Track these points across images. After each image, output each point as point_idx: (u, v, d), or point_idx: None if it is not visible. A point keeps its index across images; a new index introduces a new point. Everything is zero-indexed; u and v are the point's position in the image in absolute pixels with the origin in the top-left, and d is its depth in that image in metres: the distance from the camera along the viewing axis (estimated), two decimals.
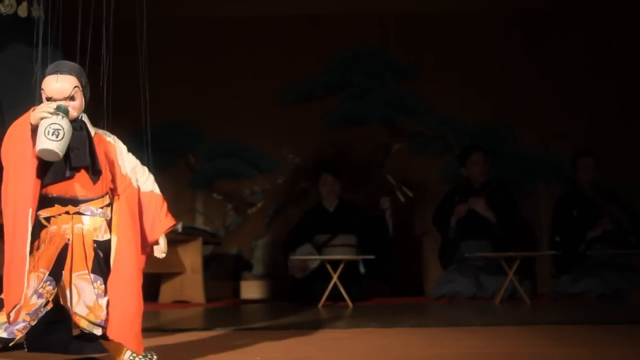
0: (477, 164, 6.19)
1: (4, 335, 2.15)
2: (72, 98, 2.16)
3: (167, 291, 6.01)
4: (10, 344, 2.19)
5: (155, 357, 2.32)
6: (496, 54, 7.01)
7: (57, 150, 2.04)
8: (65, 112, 2.09)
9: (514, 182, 6.70)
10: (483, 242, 5.97)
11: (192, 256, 6.05)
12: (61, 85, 2.15)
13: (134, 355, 2.26)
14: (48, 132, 2.04)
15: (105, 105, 2.33)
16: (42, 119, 2.06)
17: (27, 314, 2.14)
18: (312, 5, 6.96)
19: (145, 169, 2.35)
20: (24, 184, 2.07)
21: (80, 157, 2.14)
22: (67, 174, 2.13)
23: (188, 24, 6.98)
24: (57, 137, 2.03)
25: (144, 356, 2.29)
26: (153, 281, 5.88)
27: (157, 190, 2.35)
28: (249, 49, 7.00)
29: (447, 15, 7.01)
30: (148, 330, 3.35)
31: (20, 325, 2.16)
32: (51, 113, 2.07)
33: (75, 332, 2.78)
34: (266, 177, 7.07)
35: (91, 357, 2.66)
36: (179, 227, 5.70)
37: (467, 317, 4.46)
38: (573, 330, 3.50)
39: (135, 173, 2.30)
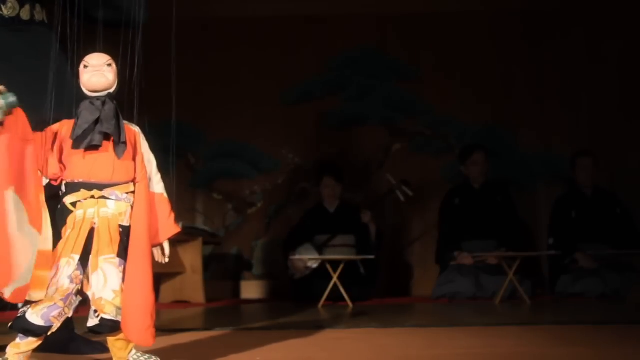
0: (477, 164, 6.19)
1: (41, 322, 2.15)
2: (109, 65, 2.25)
3: (167, 291, 6.02)
4: (49, 333, 2.19)
5: None
6: (496, 54, 7.01)
7: None
8: (10, 100, 2.13)
9: (514, 182, 6.70)
10: (486, 242, 5.97)
11: (192, 256, 6.05)
12: (101, 54, 2.27)
13: (137, 355, 2.27)
14: None
15: (136, 98, 2.36)
16: None
17: (61, 299, 2.15)
18: (312, 5, 6.96)
19: (159, 173, 2.38)
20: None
21: (108, 125, 2.19)
22: (96, 140, 2.17)
23: (188, 24, 6.95)
24: None
25: (146, 359, 2.29)
26: (153, 281, 5.88)
27: (165, 194, 2.38)
28: (248, 49, 7.00)
29: (447, 16, 7.01)
30: None
31: (56, 312, 2.16)
32: None
33: (75, 333, 2.78)
34: (266, 177, 7.07)
35: (91, 357, 2.66)
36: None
37: (467, 317, 4.47)
38: (573, 330, 3.50)
39: (151, 170, 2.33)
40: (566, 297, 5.83)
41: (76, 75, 2.25)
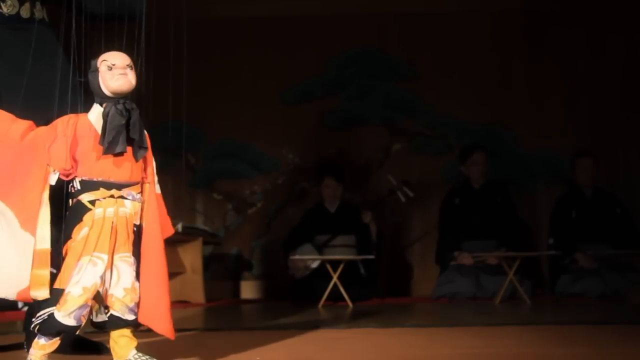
0: (477, 164, 6.19)
1: (73, 322, 2.17)
2: (131, 67, 2.25)
3: None
4: (77, 332, 2.21)
5: None
6: (496, 54, 7.01)
7: None
8: None
9: (514, 182, 6.70)
10: (486, 242, 5.97)
11: (192, 256, 6.04)
12: (122, 54, 2.25)
13: (139, 355, 2.27)
14: None
15: (150, 97, 2.36)
16: None
17: (90, 298, 2.18)
18: (312, 5, 6.96)
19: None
20: None
21: (135, 130, 2.21)
22: (122, 147, 2.18)
23: (187, 24, 6.96)
24: None
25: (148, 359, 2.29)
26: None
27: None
28: (248, 49, 7.00)
29: (446, 15, 7.01)
30: (148, 329, 3.35)
31: (85, 311, 2.19)
32: None
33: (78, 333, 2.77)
34: (266, 177, 7.06)
35: (91, 357, 2.66)
36: (179, 227, 5.69)
37: (467, 317, 4.47)
38: (573, 330, 3.50)
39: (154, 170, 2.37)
40: (566, 297, 5.84)
41: (84, 73, 2.24)
